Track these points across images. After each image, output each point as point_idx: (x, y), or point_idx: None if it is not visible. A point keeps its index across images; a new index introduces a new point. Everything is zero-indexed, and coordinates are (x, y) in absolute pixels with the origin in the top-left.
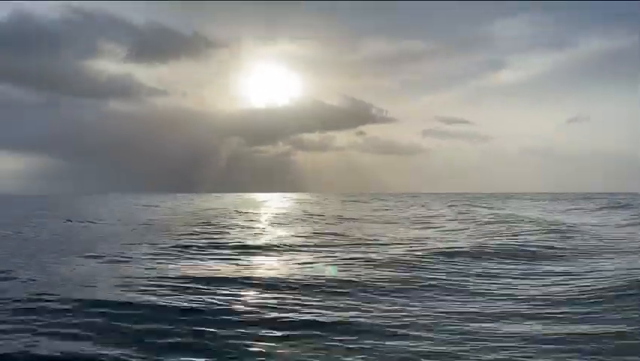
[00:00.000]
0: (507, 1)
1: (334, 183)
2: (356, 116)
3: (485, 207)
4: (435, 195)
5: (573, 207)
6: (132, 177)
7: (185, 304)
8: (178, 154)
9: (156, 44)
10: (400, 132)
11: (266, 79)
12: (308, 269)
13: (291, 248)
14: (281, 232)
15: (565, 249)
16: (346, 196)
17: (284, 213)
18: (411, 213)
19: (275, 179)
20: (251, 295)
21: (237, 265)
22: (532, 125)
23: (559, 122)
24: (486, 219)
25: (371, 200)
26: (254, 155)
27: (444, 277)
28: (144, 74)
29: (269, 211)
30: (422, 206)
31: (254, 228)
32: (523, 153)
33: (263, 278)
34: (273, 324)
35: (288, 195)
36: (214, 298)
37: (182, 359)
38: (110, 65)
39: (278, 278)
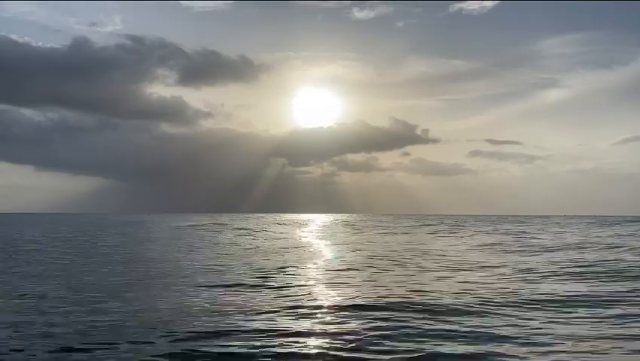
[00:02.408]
0: (554, 18)
1: (378, 204)
2: (401, 136)
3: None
4: (485, 218)
5: None
6: (179, 197)
7: None
8: (224, 175)
9: (204, 68)
10: (447, 153)
11: (310, 101)
12: None
13: None
14: None
15: None
16: (398, 218)
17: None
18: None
19: (319, 199)
20: None
21: None
22: (583, 146)
23: (611, 142)
24: None
25: (438, 224)
26: (298, 176)
27: None
28: (193, 96)
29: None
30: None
31: None
32: (574, 173)
33: None
34: None
35: (338, 216)
36: None
37: None
38: (161, 88)
39: None
